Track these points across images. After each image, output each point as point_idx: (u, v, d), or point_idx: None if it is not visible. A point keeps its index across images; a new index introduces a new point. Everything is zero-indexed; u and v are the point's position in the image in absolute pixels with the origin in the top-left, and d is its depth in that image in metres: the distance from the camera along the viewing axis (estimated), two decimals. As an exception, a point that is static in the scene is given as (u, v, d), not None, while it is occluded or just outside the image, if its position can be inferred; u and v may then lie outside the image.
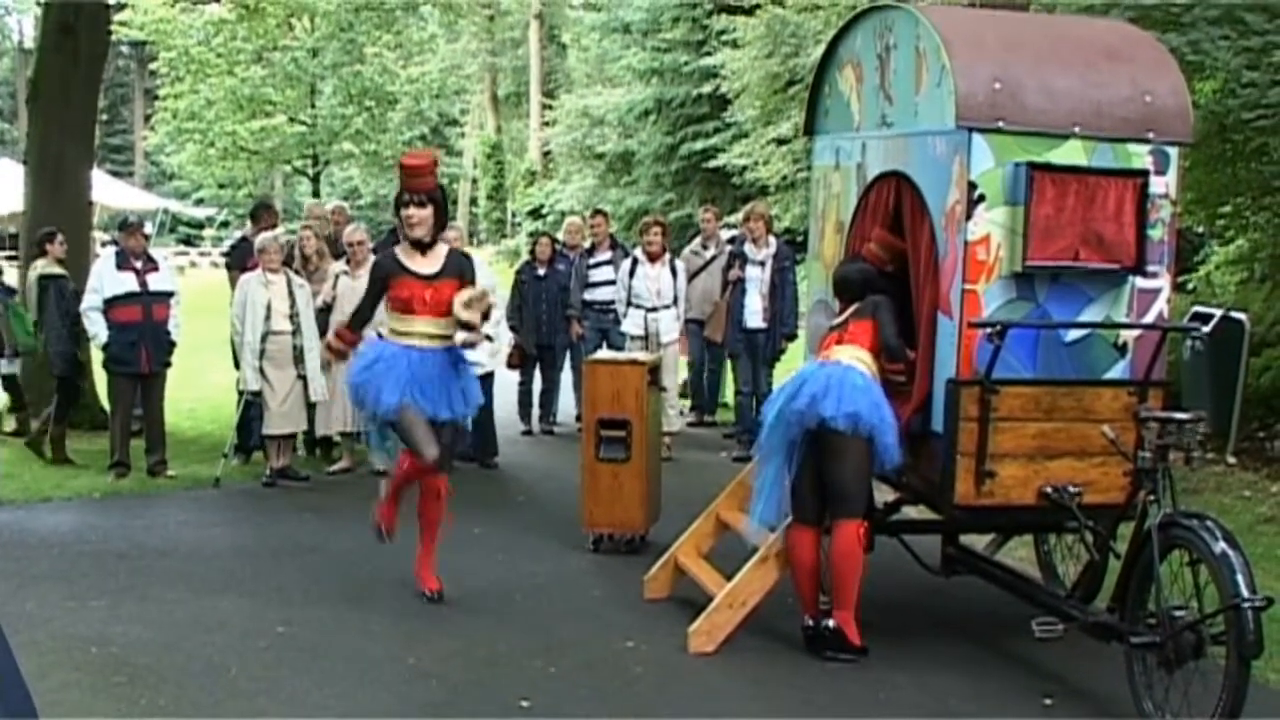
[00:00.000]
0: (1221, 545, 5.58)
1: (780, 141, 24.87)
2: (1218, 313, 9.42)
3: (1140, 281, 6.66)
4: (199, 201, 50.85)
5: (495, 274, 12.78)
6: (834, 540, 6.88)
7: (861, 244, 7.53)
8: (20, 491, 10.78)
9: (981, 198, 6.43)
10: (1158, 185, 6.61)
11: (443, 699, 6.29)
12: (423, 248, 7.58)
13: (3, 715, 2.01)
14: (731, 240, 13.91)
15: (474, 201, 54.75)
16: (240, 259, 12.30)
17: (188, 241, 51.65)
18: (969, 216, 6.43)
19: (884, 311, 7.10)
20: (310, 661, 6.72)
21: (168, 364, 11.50)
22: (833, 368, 6.93)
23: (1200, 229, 14.74)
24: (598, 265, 13.49)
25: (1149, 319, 6.71)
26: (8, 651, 2.09)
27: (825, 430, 6.77)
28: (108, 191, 34.19)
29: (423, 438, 7.44)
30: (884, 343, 7.06)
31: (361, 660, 6.79)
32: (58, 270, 12.05)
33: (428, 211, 7.52)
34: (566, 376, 14.14)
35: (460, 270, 7.63)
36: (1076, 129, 6.52)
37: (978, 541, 7.91)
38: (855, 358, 6.96)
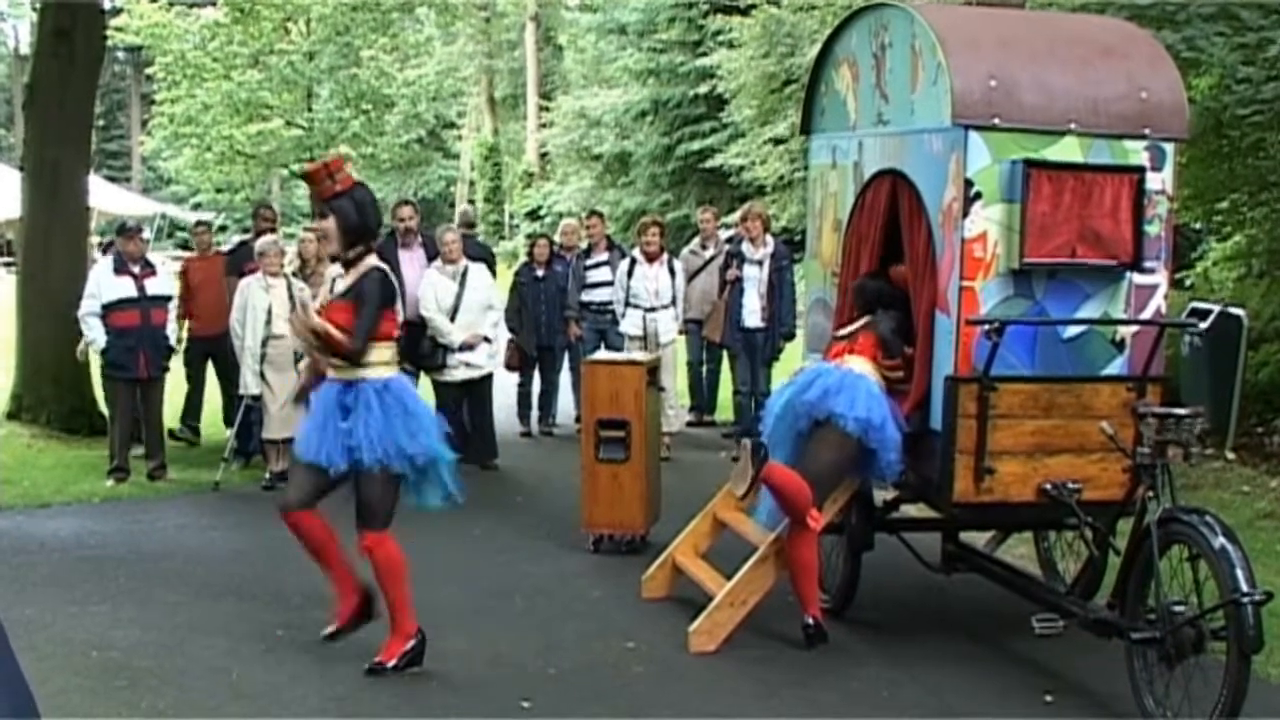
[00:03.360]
0: (1221, 540, 5.59)
1: (777, 141, 24.85)
2: (1216, 308, 9.43)
3: (1137, 277, 6.67)
4: (196, 206, 50.70)
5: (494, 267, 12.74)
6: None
7: (859, 242, 7.54)
8: (20, 497, 10.77)
9: (978, 195, 6.44)
10: (1154, 181, 6.63)
11: (443, 700, 6.30)
12: (345, 265, 6.68)
13: (6, 716, 2.00)
14: (730, 240, 13.91)
15: (471, 203, 54.75)
16: (237, 264, 12.29)
17: (185, 246, 51.57)
18: (966, 214, 6.44)
19: (886, 319, 7.17)
20: (310, 664, 6.72)
21: (166, 369, 11.50)
22: (846, 371, 6.98)
23: (1197, 225, 14.74)
24: (595, 266, 13.48)
25: (1146, 315, 6.72)
26: (9, 652, 2.09)
27: (829, 424, 6.80)
28: (105, 197, 34.18)
29: (292, 480, 6.97)
30: (879, 337, 7.10)
31: (362, 662, 6.77)
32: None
33: (329, 223, 6.58)
34: (565, 377, 14.13)
35: (359, 295, 6.53)
36: (1073, 126, 6.53)
37: (977, 539, 7.91)
38: (866, 369, 7.01)
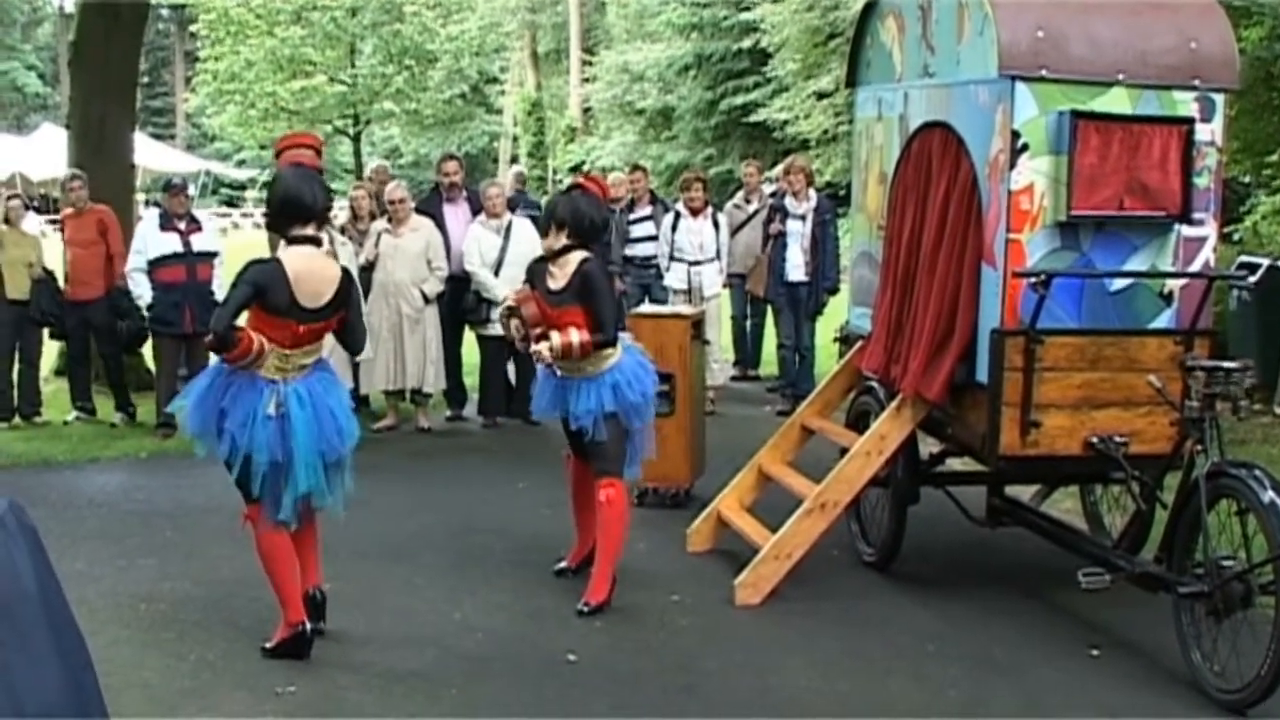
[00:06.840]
0: (1270, 494, 5.54)
1: (821, 95, 24.75)
2: (1265, 262, 9.34)
3: (1186, 230, 6.60)
4: (240, 163, 50.98)
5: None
6: None
7: (904, 195, 7.46)
8: (68, 452, 10.88)
9: (1025, 147, 6.38)
10: (1203, 133, 6.55)
11: (489, 653, 6.33)
12: None
13: (81, 718, 2.03)
14: (773, 194, 13.85)
15: (514, 159, 54.68)
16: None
17: (230, 203, 51.84)
18: (1012, 166, 6.38)
19: (599, 284, 7.02)
20: (356, 616, 6.76)
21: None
22: None
23: (1247, 178, 14.60)
24: (638, 221, 13.42)
25: (1195, 268, 6.66)
26: (85, 655, 2.10)
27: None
28: (150, 154, 34.40)
29: None
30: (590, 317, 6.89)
31: (407, 614, 6.84)
32: None
33: None
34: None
35: None
36: (1121, 77, 6.46)
37: (1023, 493, 7.88)
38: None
